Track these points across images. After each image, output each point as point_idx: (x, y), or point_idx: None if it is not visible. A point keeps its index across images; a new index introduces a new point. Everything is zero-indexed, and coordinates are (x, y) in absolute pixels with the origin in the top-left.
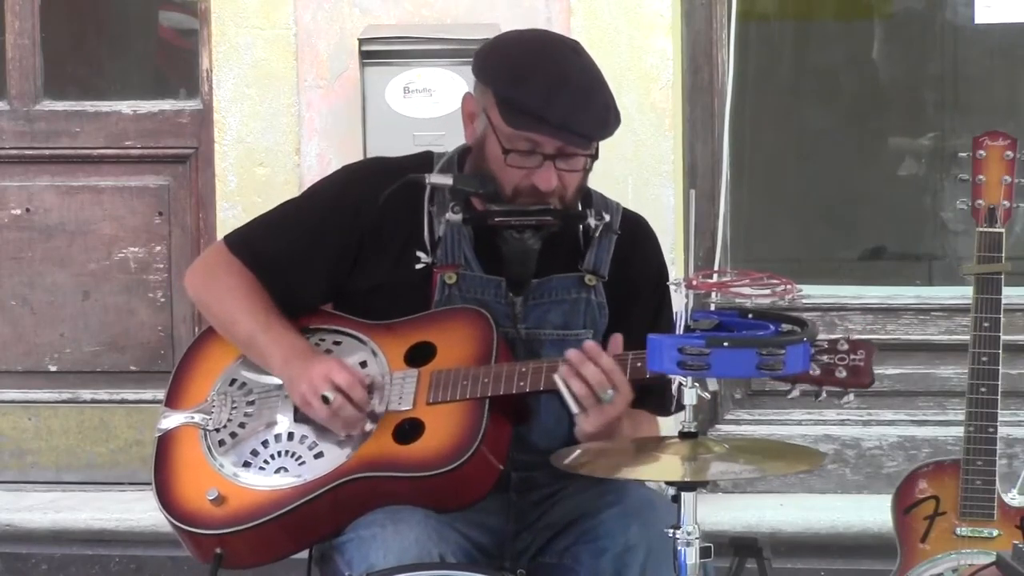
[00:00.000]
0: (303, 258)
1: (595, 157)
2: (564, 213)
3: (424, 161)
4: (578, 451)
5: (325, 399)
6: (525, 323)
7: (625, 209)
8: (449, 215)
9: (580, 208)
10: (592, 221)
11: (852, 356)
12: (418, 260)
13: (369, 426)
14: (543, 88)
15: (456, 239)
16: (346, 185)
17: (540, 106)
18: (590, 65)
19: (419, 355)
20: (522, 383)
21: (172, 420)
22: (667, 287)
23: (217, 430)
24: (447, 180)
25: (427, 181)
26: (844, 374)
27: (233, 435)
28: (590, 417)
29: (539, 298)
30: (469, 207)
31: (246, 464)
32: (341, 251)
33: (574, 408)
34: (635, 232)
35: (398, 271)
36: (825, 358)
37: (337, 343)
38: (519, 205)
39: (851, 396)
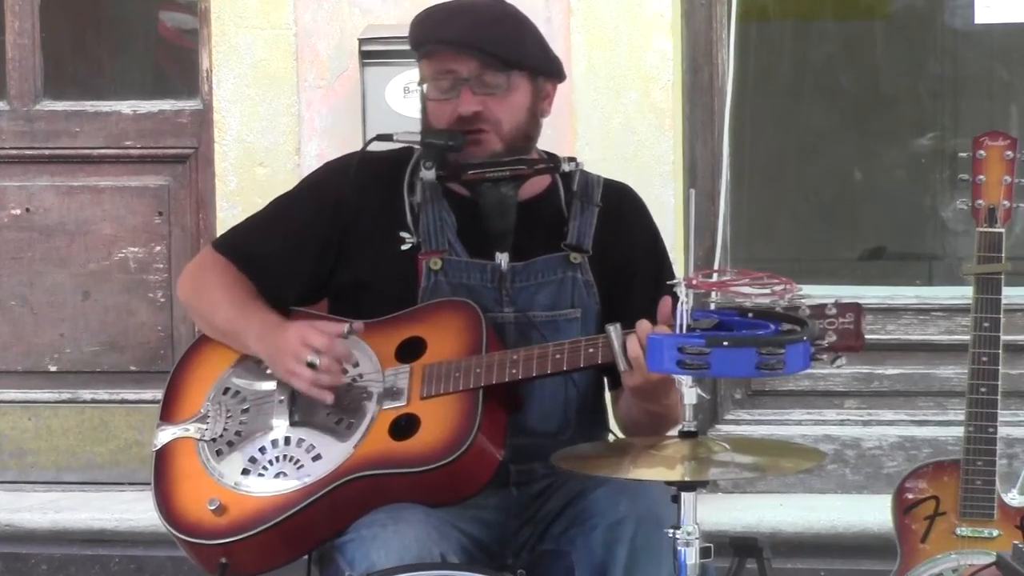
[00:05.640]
0: (287, 256)
1: (538, 85)
2: (536, 161)
3: (405, 155)
4: (579, 451)
5: (312, 364)
6: (513, 306)
7: (607, 180)
8: (423, 173)
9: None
10: (566, 167)
11: (841, 320)
12: (403, 241)
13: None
14: (436, 15)
15: (439, 225)
16: (326, 181)
17: (431, 29)
18: (495, 3)
19: (410, 351)
20: (514, 370)
21: (167, 434)
22: (663, 252)
23: (214, 440)
24: (415, 136)
25: (395, 138)
26: (835, 338)
27: (230, 444)
28: (635, 375)
29: (525, 280)
30: (443, 166)
31: (245, 471)
32: (324, 246)
33: (622, 365)
34: (619, 203)
35: (384, 256)
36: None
37: None
38: (490, 159)
39: (843, 359)
